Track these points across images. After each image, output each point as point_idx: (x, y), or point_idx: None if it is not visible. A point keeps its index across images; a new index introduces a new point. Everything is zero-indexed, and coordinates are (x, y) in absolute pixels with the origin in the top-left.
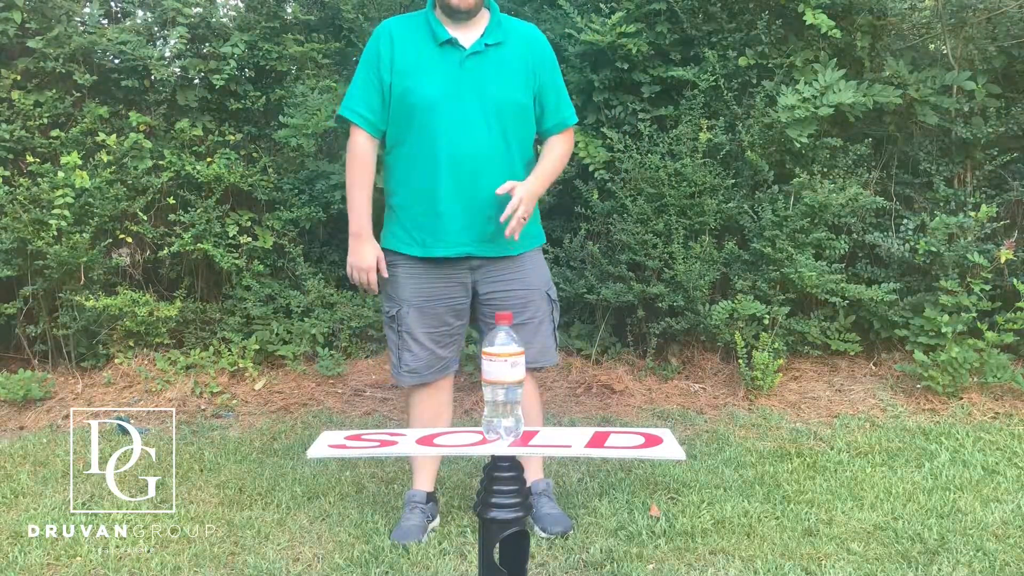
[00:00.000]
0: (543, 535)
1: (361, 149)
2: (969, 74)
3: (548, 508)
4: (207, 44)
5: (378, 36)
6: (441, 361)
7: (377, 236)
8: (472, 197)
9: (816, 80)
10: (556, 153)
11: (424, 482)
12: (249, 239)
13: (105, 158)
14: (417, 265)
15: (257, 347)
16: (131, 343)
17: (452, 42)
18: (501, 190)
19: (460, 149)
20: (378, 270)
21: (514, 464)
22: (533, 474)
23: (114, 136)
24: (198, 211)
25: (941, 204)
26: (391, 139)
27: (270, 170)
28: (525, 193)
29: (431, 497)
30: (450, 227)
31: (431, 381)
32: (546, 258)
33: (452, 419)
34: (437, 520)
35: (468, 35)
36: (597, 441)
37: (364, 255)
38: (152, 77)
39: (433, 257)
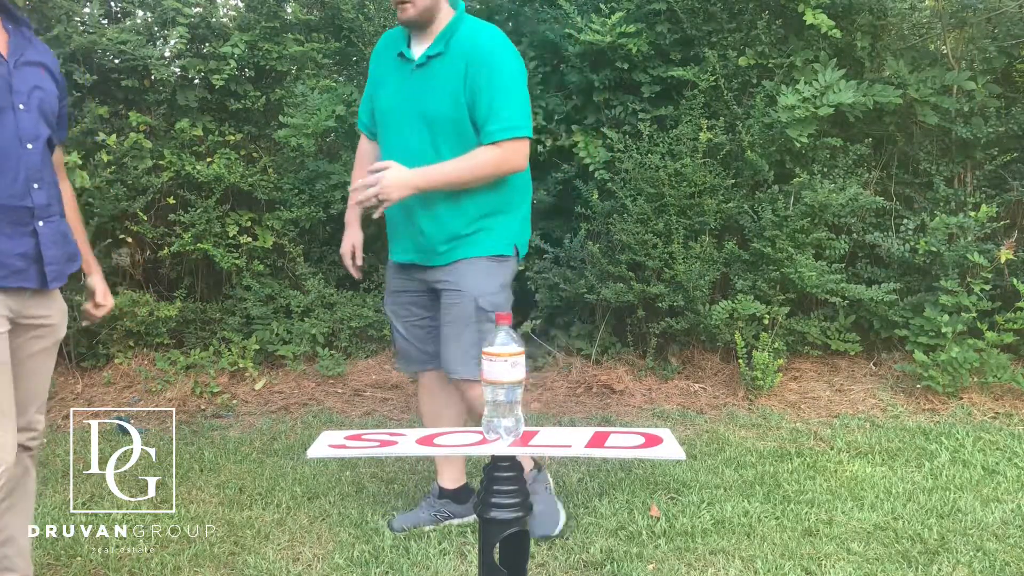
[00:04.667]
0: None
1: (361, 150)
2: (969, 74)
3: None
4: (207, 44)
5: (375, 49)
6: (423, 355)
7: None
8: (408, 209)
9: (816, 80)
10: (469, 159)
11: (443, 478)
12: (249, 239)
13: (105, 158)
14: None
15: (257, 347)
16: (131, 343)
17: (403, 55)
18: (373, 167)
19: (398, 162)
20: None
21: (514, 464)
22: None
23: (114, 136)
24: (198, 211)
25: (941, 204)
26: None
27: (270, 170)
28: (391, 177)
29: (446, 493)
30: (395, 235)
31: (421, 371)
32: (546, 258)
33: (461, 419)
34: (464, 520)
35: (420, 47)
36: (597, 441)
37: (343, 242)
38: (152, 77)
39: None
